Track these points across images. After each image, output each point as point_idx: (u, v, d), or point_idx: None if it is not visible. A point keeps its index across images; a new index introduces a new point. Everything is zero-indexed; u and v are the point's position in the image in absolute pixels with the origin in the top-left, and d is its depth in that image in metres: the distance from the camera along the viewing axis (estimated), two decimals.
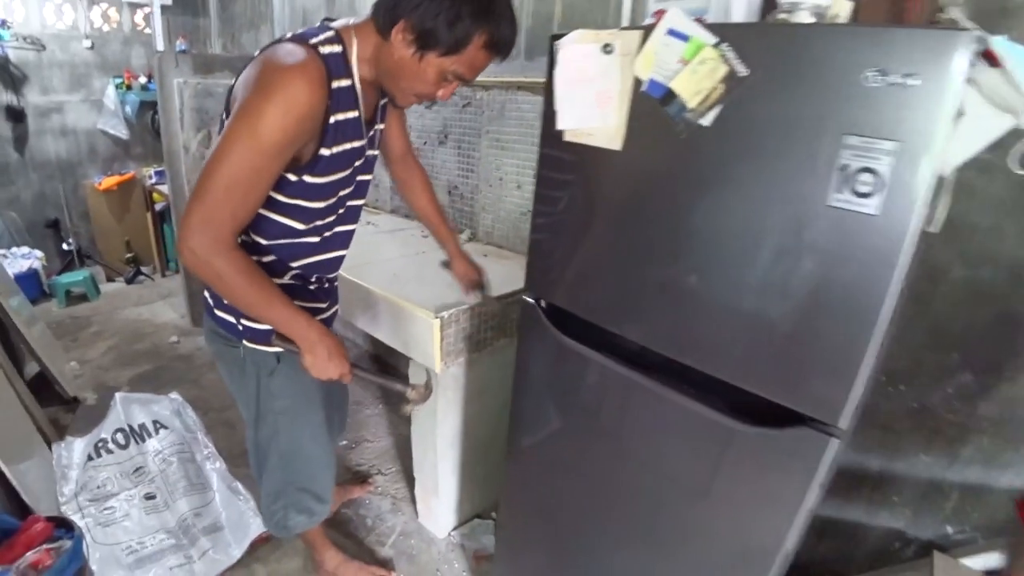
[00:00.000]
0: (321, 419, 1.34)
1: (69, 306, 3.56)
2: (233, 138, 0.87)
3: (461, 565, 1.74)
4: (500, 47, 0.95)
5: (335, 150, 1.01)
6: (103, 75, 3.82)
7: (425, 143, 2.28)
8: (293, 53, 0.91)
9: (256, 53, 0.99)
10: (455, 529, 1.85)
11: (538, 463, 1.25)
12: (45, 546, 1.47)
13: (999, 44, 0.76)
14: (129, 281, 3.93)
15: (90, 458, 2.09)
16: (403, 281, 1.53)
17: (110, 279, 4.00)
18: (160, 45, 2.80)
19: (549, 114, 0.98)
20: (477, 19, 0.91)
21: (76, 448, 2.14)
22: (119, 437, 2.17)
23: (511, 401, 1.24)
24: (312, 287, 1.23)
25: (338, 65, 0.95)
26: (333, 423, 1.49)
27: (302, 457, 1.33)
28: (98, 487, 1.97)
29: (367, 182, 1.20)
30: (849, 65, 0.69)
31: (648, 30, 0.82)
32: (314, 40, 0.93)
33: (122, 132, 3.87)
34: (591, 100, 0.88)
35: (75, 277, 3.62)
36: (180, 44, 3.05)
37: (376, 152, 1.20)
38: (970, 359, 1.25)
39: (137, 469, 2.04)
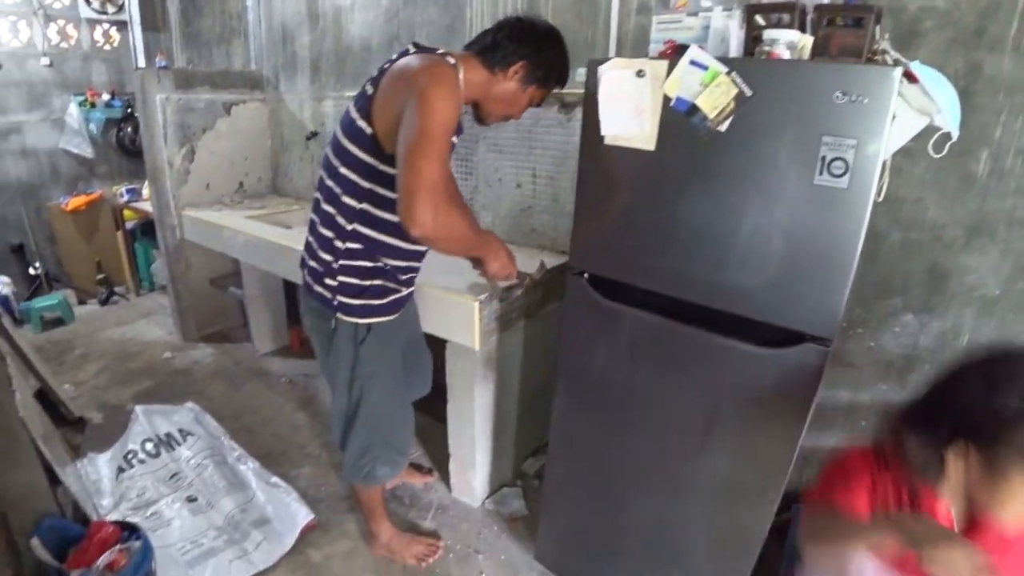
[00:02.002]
0: (401, 382, 1.57)
1: (45, 331, 3.50)
2: (427, 119, 1.09)
3: (500, 527, 1.95)
4: (565, 81, 1.38)
5: (455, 140, 1.26)
6: (63, 93, 3.75)
7: None
8: (439, 59, 1.20)
9: (386, 66, 1.26)
10: (487, 498, 2.05)
11: (583, 416, 1.48)
12: (118, 547, 1.57)
13: (915, 66, 1.06)
14: (103, 303, 3.88)
15: (121, 470, 2.17)
16: (433, 272, 1.71)
17: (82, 302, 3.93)
18: (141, 61, 2.83)
19: (589, 122, 1.22)
20: (564, 62, 1.34)
21: (100, 463, 2.22)
22: (148, 447, 2.25)
23: (557, 363, 1.47)
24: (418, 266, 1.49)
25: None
26: (414, 385, 1.72)
27: (386, 415, 1.55)
28: (138, 495, 2.05)
29: None
30: (824, 89, 0.97)
31: (672, 61, 1.07)
32: (441, 53, 1.24)
33: (87, 151, 3.81)
34: (629, 113, 1.12)
35: (49, 301, 3.56)
36: (160, 60, 3.07)
37: None
38: (909, 303, 1.57)
39: (173, 475, 2.14)
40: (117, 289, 3.97)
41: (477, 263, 1.51)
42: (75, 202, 3.76)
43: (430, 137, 1.09)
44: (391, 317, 1.46)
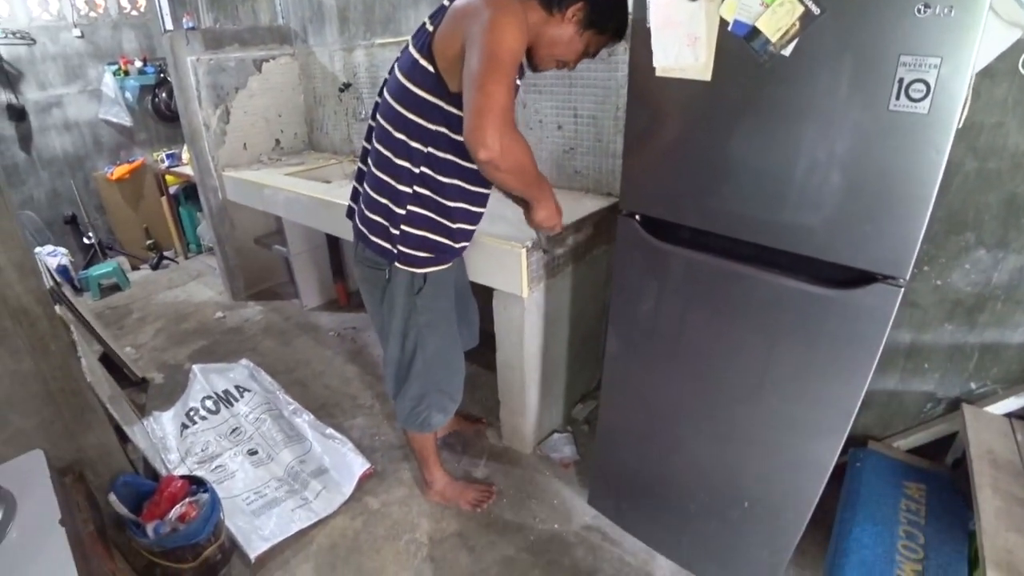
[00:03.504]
0: (456, 330, 1.59)
1: (103, 298, 3.66)
2: (494, 45, 1.06)
3: (551, 473, 1.98)
4: (623, 32, 1.29)
5: (519, 83, 1.22)
6: (97, 63, 3.79)
7: None
8: None
9: (446, 3, 1.22)
10: (538, 445, 2.08)
11: (636, 360, 1.46)
12: (187, 500, 1.66)
13: None
14: (154, 267, 4.02)
15: (185, 426, 2.27)
16: (487, 222, 1.68)
17: (135, 267, 4.08)
18: (168, 24, 2.81)
19: (638, 54, 1.14)
20: (624, 11, 1.26)
21: (165, 421, 2.33)
22: (208, 404, 2.35)
23: (609, 307, 1.44)
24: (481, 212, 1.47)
25: None
26: (462, 336, 1.72)
27: (442, 362, 1.57)
28: (202, 450, 2.15)
29: None
30: (903, 2, 0.86)
31: None
32: None
33: (125, 119, 3.87)
34: (682, 41, 1.04)
35: (105, 269, 3.70)
36: (187, 22, 3.04)
37: None
38: (983, 238, 1.46)
39: (233, 430, 2.23)
40: (166, 253, 4.10)
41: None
42: (119, 171, 3.85)
43: (498, 62, 1.05)
44: (447, 266, 1.46)
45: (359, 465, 2.02)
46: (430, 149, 1.28)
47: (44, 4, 3.53)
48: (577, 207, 1.85)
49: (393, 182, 1.34)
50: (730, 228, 1.16)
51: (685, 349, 1.34)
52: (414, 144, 1.28)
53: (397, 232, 1.36)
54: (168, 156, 3.71)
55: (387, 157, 1.33)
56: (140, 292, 3.72)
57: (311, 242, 3.11)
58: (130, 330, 3.28)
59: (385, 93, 1.34)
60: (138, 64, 3.83)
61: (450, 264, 1.46)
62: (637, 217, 1.30)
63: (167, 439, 2.24)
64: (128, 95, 3.84)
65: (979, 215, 1.45)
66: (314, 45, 3.01)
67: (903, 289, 1.01)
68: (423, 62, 1.21)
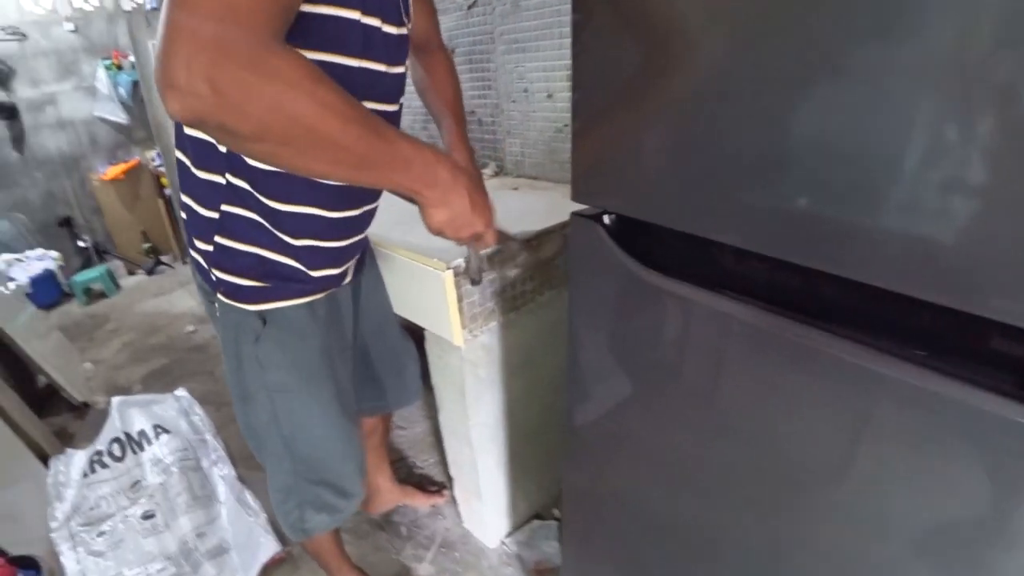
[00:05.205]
0: (331, 393, 0.98)
1: (90, 304, 3.41)
2: None
3: None
4: None
5: (363, 21, 0.69)
6: (91, 59, 3.55)
7: None
8: None
9: None
10: (509, 535, 1.48)
11: (608, 445, 0.84)
12: None
13: None
14: (150, 272, 3.76)
15: (85, 475, 1.83)
16: (405, 226, 1.14)
17: (131, 272, 3.83)
18: (126, 4, 2.46)
19: None
20: None
21: (75, 462, 1.88)
22: (115, 448, 1.89)
23: (567, 365, 0.83)
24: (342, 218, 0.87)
25: None
26: (389, 391, 1.21)
27: (310, 443, 0.99)
28: (91, 508, 1.71)
29: (398, 79, 0.82)
30: None
31: None
32: None
33: (121, 117, 3.60)
34: None
35: (91, 274, 3.45)
36: (150, 0, 2.69)
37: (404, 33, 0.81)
38: None
39: (134, 484, 1.77)
40: (163, 258, 3.82)
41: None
42: (112, 171, 3.58)
43: None
44: (305, 299, 0.89)
45: (267, 548, 1.51)
46: None
47: None
48: (566, 210, 1.26)
49: (194, 168, 0.79)
50: (782, 244, 0.52)
51: (681, 435, 0.71)
52: None
53: (210, 247, 0.83)
54: (159, 155, 3.40)
55: (178, 128, 0.80)
56: (124, 300, 3.42)
57: None
58: (99, 343, 2.96)
59: None
60: (132, 58, 3.54)
61: (315, 297, 0.90)
62: (605, 219, 0.68)
63: (67, 487, 1.80)
64: (122, 91, 3.56)
65: None
66: None
67: None
68: None
